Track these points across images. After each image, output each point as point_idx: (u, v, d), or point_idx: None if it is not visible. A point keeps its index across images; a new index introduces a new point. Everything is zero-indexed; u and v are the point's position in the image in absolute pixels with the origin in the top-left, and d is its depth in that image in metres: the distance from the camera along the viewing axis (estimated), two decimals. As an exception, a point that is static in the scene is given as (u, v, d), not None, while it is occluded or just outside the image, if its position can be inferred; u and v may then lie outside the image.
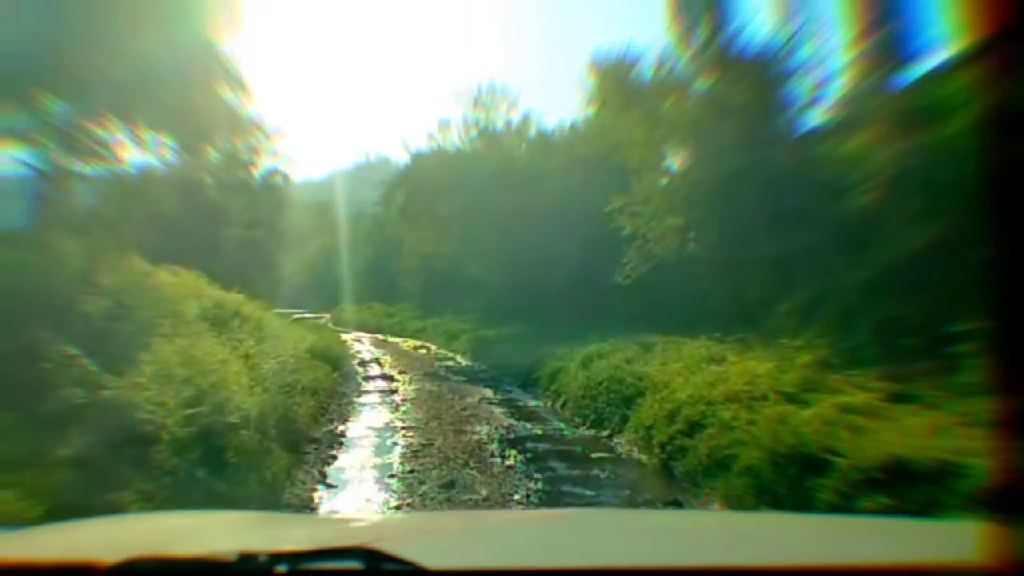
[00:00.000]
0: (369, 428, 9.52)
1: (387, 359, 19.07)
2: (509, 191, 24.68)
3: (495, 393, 12.94)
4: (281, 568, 1.19)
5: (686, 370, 9.90)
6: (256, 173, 32.95)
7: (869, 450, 4.88)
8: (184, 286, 11.70)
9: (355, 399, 12.11)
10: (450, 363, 18.44)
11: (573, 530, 2.10)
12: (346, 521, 3.45)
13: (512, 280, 23.62)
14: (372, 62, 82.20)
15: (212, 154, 30.13)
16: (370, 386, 13.82)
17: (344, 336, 28.85)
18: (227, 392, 6.16)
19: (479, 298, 26.89)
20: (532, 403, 12.08)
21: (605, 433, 9.29)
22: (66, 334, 5.47)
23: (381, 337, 28.40)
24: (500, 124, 28.58)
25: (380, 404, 11.68)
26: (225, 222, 28.56)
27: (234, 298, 12.83)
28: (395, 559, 1.21)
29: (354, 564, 1.22)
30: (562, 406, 11.34)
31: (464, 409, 10.98)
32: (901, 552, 1.54)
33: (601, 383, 10.37)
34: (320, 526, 2.66)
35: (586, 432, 9.53)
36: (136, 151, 15.75)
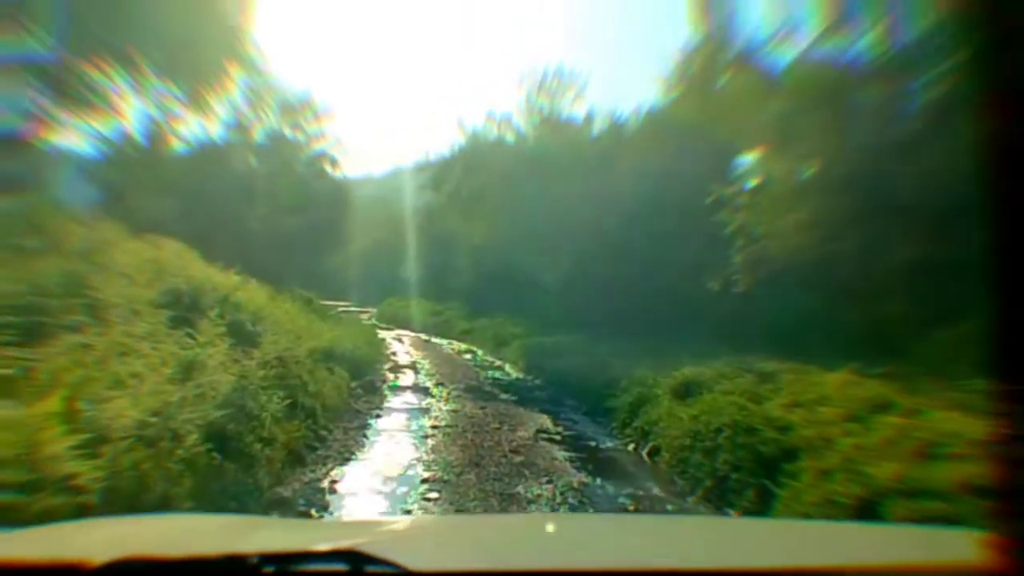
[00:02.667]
0: (374, 480, 6.46)
1: (425, 365, 16.12)
2: (574, 181, 21.52)
3: (555, 423, 9.78)
4: (269, 569, 1.20)
5: (849, 420, 6.70)
6: (303, 155, 30.67)
7: None
8: (160, 262, 8.94)
9: (371, 421, 9.13)
10: (498, 374, 15.35)
11: (559, 533, 2.09)
12: (335, 525, 3.52)
13: (576, 281, 20.39)
14: (435, 57, 79.95)
15: (249, 125, 27.92)
16: (396, 402, 10.84)
17: (383, 334, 26.22)
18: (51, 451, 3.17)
19: (534, 300, 23.76)
20: (608, 444, 8.86)
21: (735, 514, 6.03)
22: None
23: (424, 337, 25.59)
24: (566, 111, 25.47)
25: (402, 432, 8.66)
26: (263, 203, 26.28)
27: (225, 281, 10.01)
28: (381, 561, 1.22)
29: (340, 566, 1.22)
30: (654, 454, 8.09)
31: (515, 449, 7.85)
32: (898, 555, 1.54)
33: (719, 430, 7.08)
34: (309, 529, 2.52)
35: (703, 510, 6.28)
36: (139, 103, 13.37)
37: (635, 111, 23.06)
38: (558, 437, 8.82)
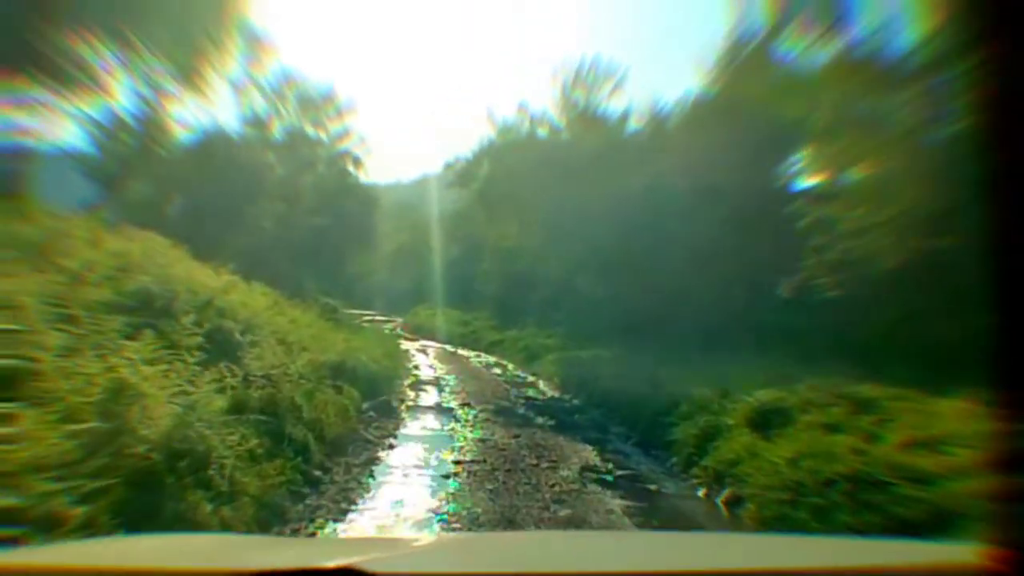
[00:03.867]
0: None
1: (450, 381, 14.52)
2: (613, 177, 19.83)
3: (602, 457, 8.07)
4: None
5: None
6: (324, 153, 29.40)
7: None
8: (130, 258, 7.49)
9: (382, 454, 7.53)
10: (531, 392, 13.68)
11: (561, 548, 2.18)
12: (334, 542, 3.41)
13: (615, 287, 18.69)
14: (464, 55, 78.64)
15: (265, 118, 26.75)
16: (415, 428, 9.26)
17: (407, 345, 24.78)
18: None
19: (568, 308, 22.11)
20: (672, 488, 7.13)
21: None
22: None
23: (450, 349, 24.04)
24: (603, 104, 23.77)
25: (419, 470, 7.03)
26: (279, 201, 25.05)
27: (214, 282, 8.55)
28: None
29: None
30: (734, 505, 6.36)
31: (558, 497, 6.19)
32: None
33: (831, 482, 5.35)
34: (311, 547, 2.57)
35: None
36: (130, 81, 12.06)
37: (680, 101, 21.27)
38: (609, 478, 7.12)
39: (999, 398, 1.39)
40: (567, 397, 13.14)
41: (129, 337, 5.19)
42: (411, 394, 12.07)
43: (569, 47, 68.17)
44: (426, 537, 4.59)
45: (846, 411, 7.35)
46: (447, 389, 13.21)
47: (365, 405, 9.24)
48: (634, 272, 18.03)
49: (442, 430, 9.20)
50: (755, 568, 1.49)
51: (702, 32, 40.72)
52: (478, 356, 21.35)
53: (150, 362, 4.74)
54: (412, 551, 2.02)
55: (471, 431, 9.18)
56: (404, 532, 5.20)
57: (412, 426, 9.31)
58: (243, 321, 7.83)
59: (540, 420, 10.37)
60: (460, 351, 23.32)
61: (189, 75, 11.37)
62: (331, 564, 1.31)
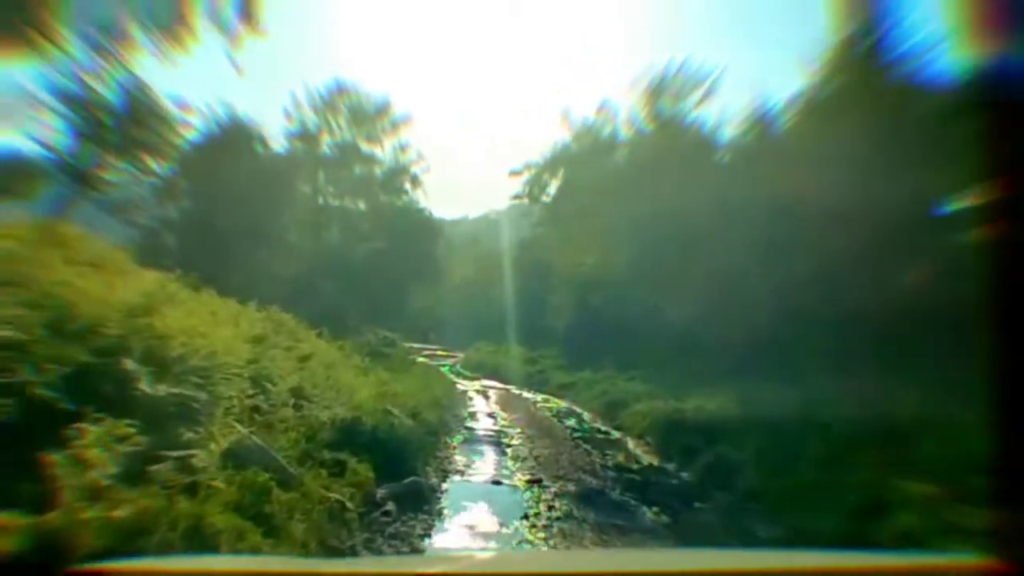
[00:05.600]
0: None
1: (513, 440, 11.13)
2: (713, 190, 16.39)
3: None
4: None
5: None
6: (379, 172, 27.00)
7: None
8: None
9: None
10: (621, 457, 10.17)
11: (564, 566, 2.25)
12: (381, 563, 3.35)
13: (719, 324, 15.03)
14: (534, 73, 76.22)
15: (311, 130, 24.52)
16: (454, 534, 5.94)
17: (466, 386, 21.61)
18: None
19: (656, 347, 18.52)
20: None
21: None
22: None
23: (514, 391, 20.73)
24: (694, 110, 20.40)
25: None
26: (320, 219, 22.61)
27: (153, 294, 5.60)
28: None
29: None
30: None
31: None
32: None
33: None
34: (342, 567, 2.53)
35: None
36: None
37: (791, 102, 17.68)
38: None
39: None
40: (671, 468, 9.55)
41: None
42: (459, 460, 8.80)
43: (653, 48, 64.53)
44: (450, 558, 4.30)
45: None
46: (509, 451, 9.88)
47: (381, 492, 5.99)
48: (745, 305, 14.40)
49: (499, 533, 5.88)
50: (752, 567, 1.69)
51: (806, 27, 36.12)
52: (546, 401, 17.94)
53: None
54: (468, 566, 2.15)
55: (543, 534, 5.83)
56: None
57: (452, 529, 6.01)
58: (177, 359, 4.78)
59: (647, 515, 6.89)
60: (525, 393, 19.97)
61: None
62: None
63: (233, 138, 17.05)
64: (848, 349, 11.03)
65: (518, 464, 8.85)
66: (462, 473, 8.09)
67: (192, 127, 15.02)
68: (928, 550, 3.33)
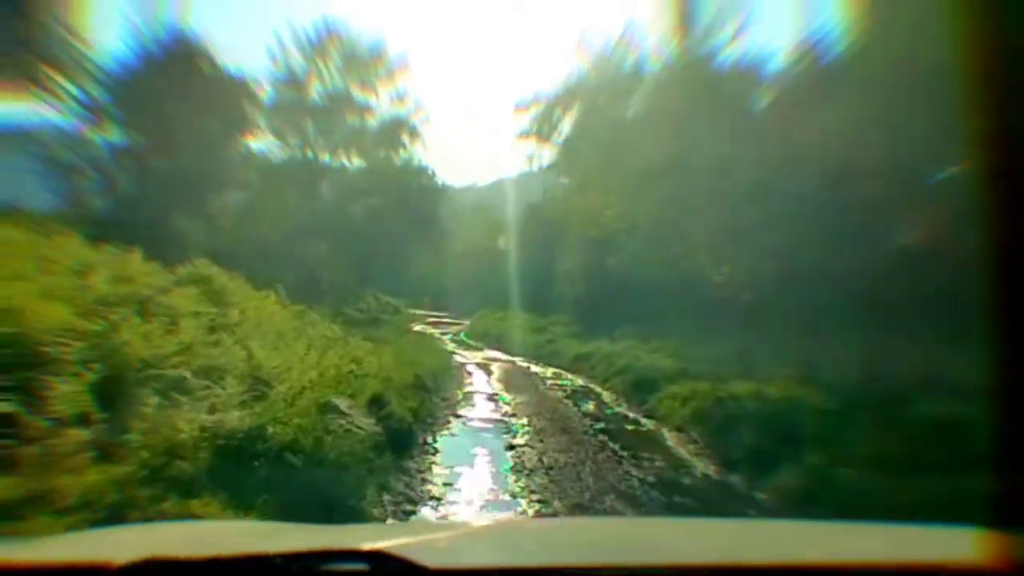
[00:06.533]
0: None
1: (519, 437, 8.56)
2: (759, 129, 13.57)
3: None
4: (292, 569, 1.21)
5: None
6: (373, 121, 24.15)
7: None
8: None
9: None
10: (660, 462, 7.56)
11: (575, 534, 2.10)
12: (357, 529, 3.23)
13: (774, 284, 12.33)
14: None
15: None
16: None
17: (467, 357, 19.20)
18: None
19: (684, 311, 15.93)
20: None
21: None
22: None
23: (522, 364, 18.23)
24: (733, 41, 17.37)
25: None
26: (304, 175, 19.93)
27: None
28: (399, 559, 1.21)
29: (361, 566, 1.24)
30: None
31: None
32: (900, 553, 1.49)
33: None
34: (331, 533, 2.37)
35: None
36: None
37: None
38: None
39: None
40: (739, 484, 6.88)
41: None
42: (434, 480, 6.20)
43: None
44: (472, 523, 4.33)
45: None
46: (510, 457, 7.29)
47: None
48: (805, 267, 11.68)
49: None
50: (751, 563, 1.41)
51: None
52: (557, 377, 15.41)
53: None
54: (434, 535, 2.00)
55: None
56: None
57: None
58: None
59: None
60: (534, 367, 17.48)
61: None
62: (353, 547, 1.30)
63: (180, 59, 14.23)
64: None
65: (521, 482, 6.24)
66: (435, 506, 5.49)
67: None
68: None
